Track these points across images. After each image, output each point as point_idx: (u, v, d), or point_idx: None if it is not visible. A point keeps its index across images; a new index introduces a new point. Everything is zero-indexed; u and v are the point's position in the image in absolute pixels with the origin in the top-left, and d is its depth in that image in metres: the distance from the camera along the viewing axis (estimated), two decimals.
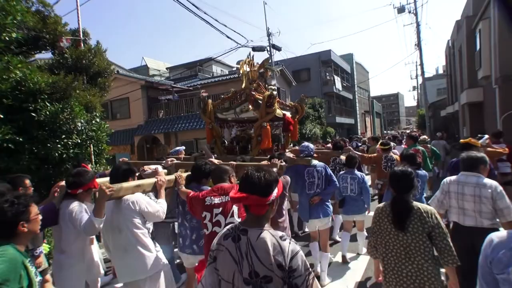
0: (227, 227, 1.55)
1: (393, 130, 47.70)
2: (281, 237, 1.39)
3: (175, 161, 4.17)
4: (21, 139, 4.57)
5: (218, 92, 13.94)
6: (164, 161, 4.10)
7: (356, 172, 4.62)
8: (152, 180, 2.88)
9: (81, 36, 7.20)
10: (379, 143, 6.05)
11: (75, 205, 2.50)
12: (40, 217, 1.89)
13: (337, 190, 4.58)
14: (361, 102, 35.70)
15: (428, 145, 7.60)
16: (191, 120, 15.07)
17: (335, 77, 27.23)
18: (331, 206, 4.10)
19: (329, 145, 8.53)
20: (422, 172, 4.06)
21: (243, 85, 5.42)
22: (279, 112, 5.20)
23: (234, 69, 20.04)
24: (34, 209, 1.83)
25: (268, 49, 14.90)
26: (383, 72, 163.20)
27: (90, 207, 2.54)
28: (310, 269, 1.37)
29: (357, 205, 4.49)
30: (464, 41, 13.98)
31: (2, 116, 4.43)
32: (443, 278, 2.16)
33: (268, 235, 1.40)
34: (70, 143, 5.15)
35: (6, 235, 1.69)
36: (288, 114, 5.64)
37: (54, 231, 2.66)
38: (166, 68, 24.76)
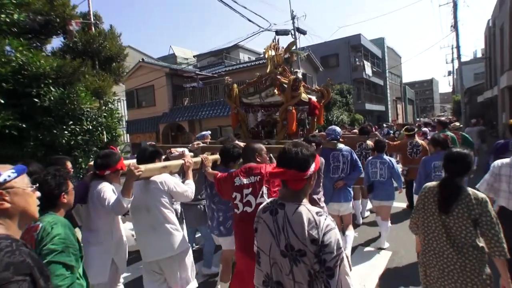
0: (267, 200, 1.59)
1: (426, 118, 45.59)
2: (317, 213, 1.40)
3: (201, 145, 4.25)
4: (24, 126, 4.38)
5: (243, 78, 13.85)
6: (190, 145, 4.20)
7: (385, 156, 4.54)
8: (179, 162, 2.93)
9: (92, 19, 6.98)
10: (403, 128, 5.90)
11: (103, 185, 2.52)
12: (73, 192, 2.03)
13: (366, 176, 4.54)
14: (392, 88, 34.33)
15: (460, 132, 7.26)
16: (216, 107, 15.08)
17: (365, 62, 26.31)
18: (352, 192, 4.09)
19: (355, 130, 8.37)
20: None
21: (268, 70, 5.40)
22: (304, 96, 5.14)
23: (261, 55, 19.88)
24: (70, 183, 1.98)
25: (292, 33, 14.50)
26: (416, 56, 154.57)
27: (118, 188, 2.55)
28: (342, 249, 1.38)
29: (386, 190, 4.42)
30: (507, 17, 12.98)
31: (2, 101, 4.22)
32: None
33: (305, 210, 1.41)
34: (78, 129, 4.98)
35: (49, 206, 1.82)
36: (314, 98, 5.56)
37: (83, 210, 2.70)
38: (194, 56, 25.04)
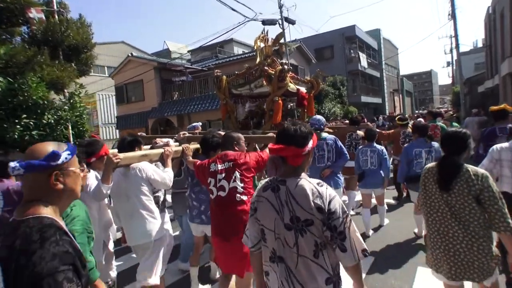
0: (265, 180, 1.65)
1: (425, 110, 45.55)
2: (318, 184, 1.49)
3: (187, 135, 4.26)
4: None
5: (234, 71, 13.73)
6: (176, 135, 4.20)
7: (376, 144, 4.61)
8: (159, 150, 2.97)
9: (55, 7, 6.54)
10: (396, 118, 5.94)
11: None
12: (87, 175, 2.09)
13: (356, 165, 4.64)
14: (389, 80, 34.25)
15: (454, 123, 7.27)
16: (205, 101, 15.02)
17: (360, 54, 26.18)
18: (342, 178, 4.10)
19: (347, 121, 8.37)
20: (437, 144, 3.99)
21: (257, 61, 5.39)
22: (292, 87, 5.12)
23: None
24: (86, 167, 2.07)
25: (280, 23, 14.02)
26: (413, 46, 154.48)
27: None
28: (347, 212, 1.47)
29: (377, 178, 4.50)
30: (507, 2, 12.83)
31: None
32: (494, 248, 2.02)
33: (306, 182, 1.49)
34: (32, 123, 4.60)
35: None
36: (303, 89, 5.51)
37: None
38: (188, 51, 24.90)
